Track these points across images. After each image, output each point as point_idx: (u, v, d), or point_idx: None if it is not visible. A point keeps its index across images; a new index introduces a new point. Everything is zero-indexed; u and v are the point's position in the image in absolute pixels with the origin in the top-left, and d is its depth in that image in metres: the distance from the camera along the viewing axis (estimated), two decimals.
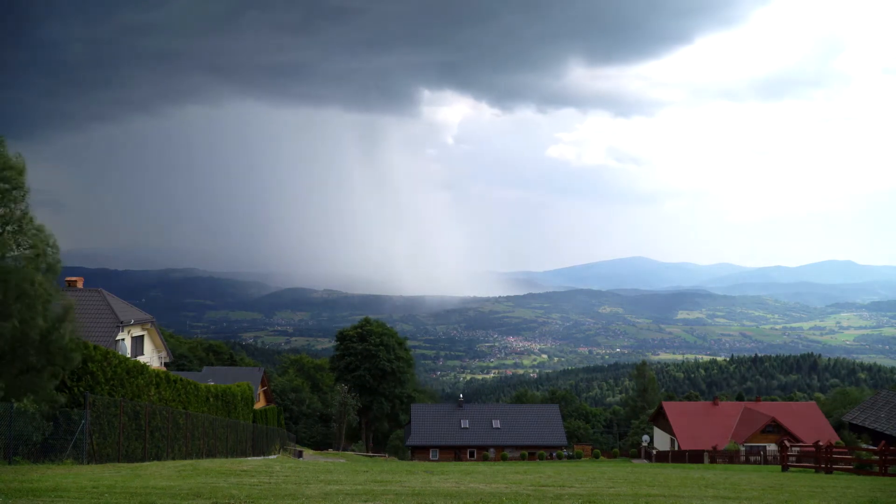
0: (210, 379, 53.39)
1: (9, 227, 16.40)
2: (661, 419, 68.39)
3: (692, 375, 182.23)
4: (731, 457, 52.19)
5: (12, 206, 16.51)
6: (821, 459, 28.67)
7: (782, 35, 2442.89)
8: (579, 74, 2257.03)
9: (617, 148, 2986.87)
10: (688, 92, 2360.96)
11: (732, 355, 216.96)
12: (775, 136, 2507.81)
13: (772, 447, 53.85)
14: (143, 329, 41.58)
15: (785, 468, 30.91)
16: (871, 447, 29.66)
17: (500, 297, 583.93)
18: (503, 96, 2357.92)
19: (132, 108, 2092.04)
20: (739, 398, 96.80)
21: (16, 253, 16.73)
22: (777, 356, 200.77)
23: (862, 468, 28.07)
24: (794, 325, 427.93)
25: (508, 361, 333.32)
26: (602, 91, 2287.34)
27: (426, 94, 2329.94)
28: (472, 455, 68.11)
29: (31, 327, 16.23)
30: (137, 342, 40.85)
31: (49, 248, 17.09)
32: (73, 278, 40.74)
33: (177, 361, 77.36)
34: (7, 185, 16.36)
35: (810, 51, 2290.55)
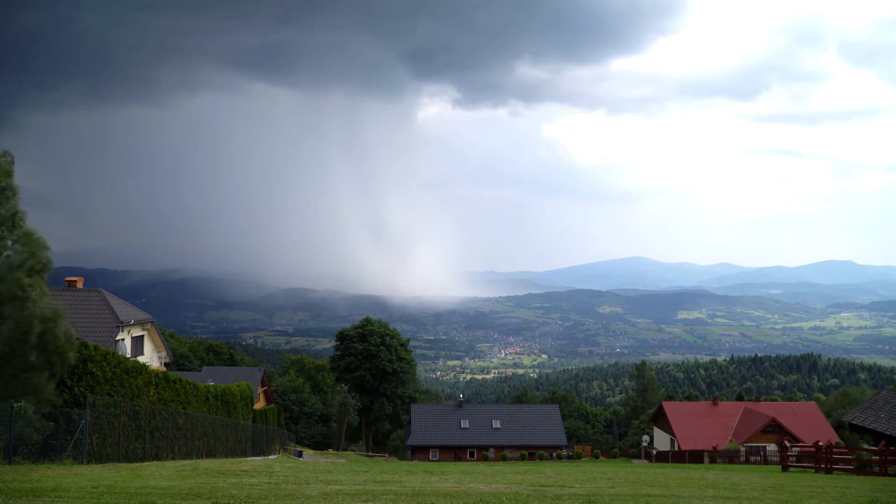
0: (210, 379, 53.41)
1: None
2: (661, 419, 68.39)
3: (692, 375, 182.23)
4: (731, 457, 52.19)
5: (2, 208, 16.41)
6: (821, 459, 28.66)
7: (772, 26, 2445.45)
8: (561, 72, 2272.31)
9: (613, 147, 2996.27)
10: (684, 89, 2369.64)
11: (732, 355, 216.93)
12: (776, 135, 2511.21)
13: (772, 447, 53.83)
14: (143, 329, 41.58)
15: (785, 468, 30.91)
16: (870, 447, 29.65)
17: (500, 297, 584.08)
18: (491, 93, 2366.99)
19: (127, 100, 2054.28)
20: (739, 398, 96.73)
21: (9, 254, 16.69)
22: (777, 356, 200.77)
23: (862, 468, 28.07)
24: (794, 325, 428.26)
25: (508, 361, 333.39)
26: (589, 89, 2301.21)
27: (418, 92, 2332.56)
28: (472, 455, 68.11)
29: (27, 328, 16.21)
30: (137, 342, 40.85)
31: (40, 250, 17.02)
32: (73, 278, 40.69)
33: (177, 361, 77.33)
34: None
35: (808, 42, 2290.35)
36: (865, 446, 33.45)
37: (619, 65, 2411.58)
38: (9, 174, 16.52)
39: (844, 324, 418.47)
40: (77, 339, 19.18)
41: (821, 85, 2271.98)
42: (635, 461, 59.77)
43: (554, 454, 67.21)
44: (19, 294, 15.96)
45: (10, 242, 16.47)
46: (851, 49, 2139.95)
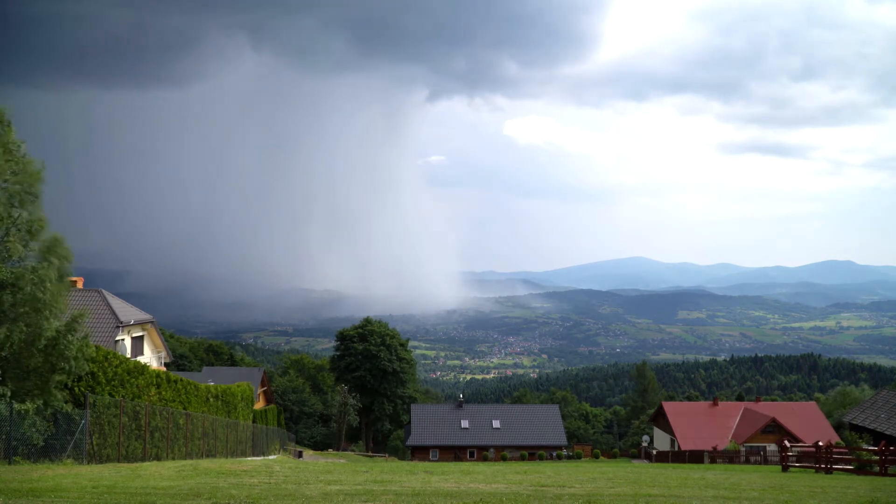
0: (210, 379, 53.37)
1: (13, 230, 16.39)
2: (661, 419, 68.39)
3: (692, 375, 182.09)
4: (731, 457, 52.18)
5: (25, 210, 16.52)
6: (821, 459, 28.65)
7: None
8: (552, 70, 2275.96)
9: (613, 146, 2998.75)
10: (677, 86, 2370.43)
11: (732, 355, 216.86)
12: (777, 135, 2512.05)
13: (772, 447, 53.84)
14: (143, 329, 41.58)
15: (785, 468, 30.90)
16: (870, 447, 29.66)
17: (500, 297, 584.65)
18: (482, 90, 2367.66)
19: (126, 86, 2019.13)
20: (739, 398, 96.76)
21: (33, 257, 16.76)
22: (777, 356, 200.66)
23: (862, 468, 28.07)
24: (794, 325, 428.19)
25: (508, 361, 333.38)
26: (581, 86, 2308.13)
27: (413, 89, 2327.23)
28: (472, 455, 68.09)
29: (39, 333, 16.27)
30: (137, 342, 40.85)
31: (64, 259, 17.13)
32: (74, 278, 40.54)
33: (177, 361, 77.31)
34: (20, 188, 16.38)
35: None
36: (865, 446, 33.45)
37: (610, 61, 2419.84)
38: (38, 179, 16.65)
39: (845, 324, 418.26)
40: (87, 341, 19.23)
41: (817, 84, 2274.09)
42: (635, 461, 59.76)
43: (554, 454, 67.18)
44: (39, 297, 16.03)
45: (21, 247, 16.52)
46: (851, 49, 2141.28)
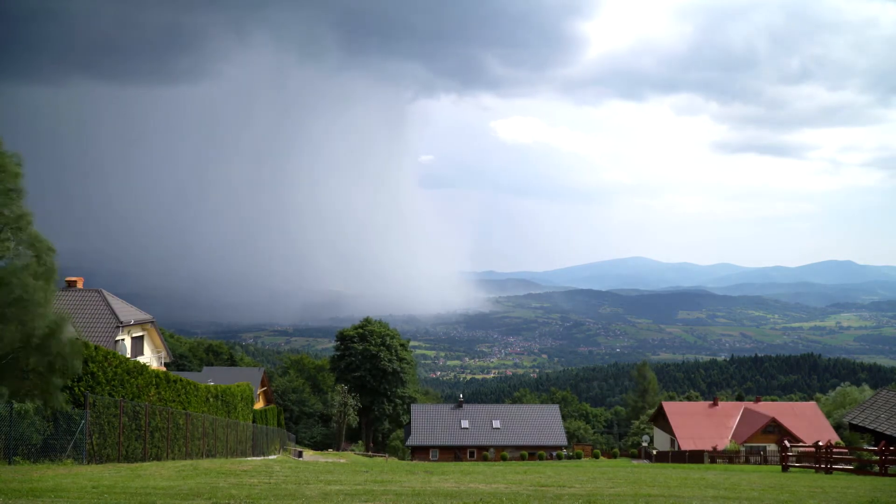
0: (210, 379, 53.36)
1: (1, 231, 16.32)
2: (661, 419, 68.40)
3: (692, 375, 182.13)
4: (731, 457, 52.16)
5: (6, 208, 16.42)
6: (821, 459, 28.66)
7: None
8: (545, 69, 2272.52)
9: (612, 146, 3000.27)
10: (673, 85, 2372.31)
11: (732, 355, 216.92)
12: (775, 135, 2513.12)
13: (772, 447, 53.84)
14: (143, 329, 41.58)
15: (785, 468, 30.89)
16: (871, 447, 29.66)
17: (500, 297, 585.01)
18: (477, 90, 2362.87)
19: (122, 82, 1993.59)
20: (739, 398, 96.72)
21: (17, 256, 16.67)
22: (777, 356, 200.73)
23: (862, 468, 28.07)
24: (794, 325, 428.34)
25: (508, 361, 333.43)
26: (577, 84, 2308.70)
27: (409, 87, 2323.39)
28: (471, 455, 68.09)
29: (31, 332, 16.20)
30: (137, 342, 40.85)
31: (46, 255, 17.02)
32: (73, 278, 40.64)
33: (177, 361, 77.31)
34: (1, 186, 16.27)
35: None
36: (865, 446, 33.46)
37: (609, 59, 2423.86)
38: (17, 175, 16.54)
39: (844, 324, 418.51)
40: (79, 340, 19.15)
41: (814, 84, 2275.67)
42: (635, 461, 59.75)
43: (554, 454, 67.19)
44: (24, 297, 15.95)
45: (12, 244, 16.46)
46: (855, 50, 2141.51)
